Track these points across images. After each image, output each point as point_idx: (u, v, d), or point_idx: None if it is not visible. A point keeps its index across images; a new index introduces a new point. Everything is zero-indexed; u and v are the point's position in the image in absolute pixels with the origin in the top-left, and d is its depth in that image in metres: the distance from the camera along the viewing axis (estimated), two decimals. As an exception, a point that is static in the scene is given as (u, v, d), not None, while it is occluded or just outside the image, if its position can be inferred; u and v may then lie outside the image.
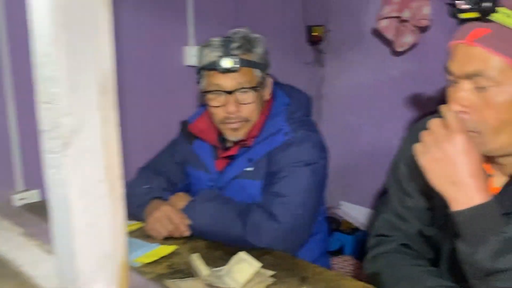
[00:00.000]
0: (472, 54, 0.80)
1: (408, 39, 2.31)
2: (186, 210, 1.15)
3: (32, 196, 1.52)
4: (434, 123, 0.81)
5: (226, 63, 1.15)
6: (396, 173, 1.02)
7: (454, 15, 0.82)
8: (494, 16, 0.78)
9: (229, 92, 1.20)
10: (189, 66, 2.04)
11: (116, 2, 1.77)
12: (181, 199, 1.22)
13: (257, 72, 1.21)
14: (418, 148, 0.82)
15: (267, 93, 1.25)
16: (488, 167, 0.92)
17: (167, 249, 1.06)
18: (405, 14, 2.23)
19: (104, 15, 0.67)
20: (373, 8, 2.43)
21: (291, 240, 1.11)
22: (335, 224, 2.70)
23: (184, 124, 1.39)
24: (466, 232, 0.77)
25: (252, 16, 2.37)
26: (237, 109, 1.20)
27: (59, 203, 0.67)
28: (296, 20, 2.67)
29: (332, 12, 2.76)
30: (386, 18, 2.27)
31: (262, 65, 1.22)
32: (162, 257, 1.02)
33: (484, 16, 0.78)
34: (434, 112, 0.88)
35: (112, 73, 0.70)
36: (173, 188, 1.34)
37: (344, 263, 1.92)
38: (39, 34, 0.63)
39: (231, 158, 1.26)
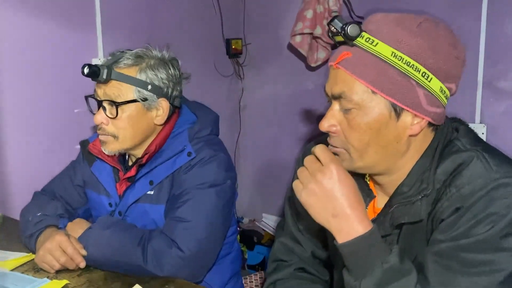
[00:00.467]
0: (338, 77, 0.83)
1: (321, 54, 2.38)
2: (82, 239, 1.07)
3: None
4: (307, 160, 0.83)
5: (85, 70, 1.08)
6: (291, 196, 1.03)
7: (331, 37, 0.85)
8: (357, 41, 0.81)
9: (98, 102, 1.14)
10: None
11: (15, 9, 1.64)
12: (78, 226, 1.13)
13: (136, 91, 1.13)
14: (295, 185, 0.83)
15: (159, 117, 1.18)
16: (372, 186, 0.96)
17: (57, 284, 0.97)
18: (317, 31, 2.29)
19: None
20: (290, 24, 2.47)
21: (195, 267, 1.06)
22: (257, 238, 2.70)
23: (84, 144, 1.30)
24: (351, 263, 0.78)
25: (168, 28, 2.32)
26: (104, 122, 1.13)
27: None
28: (216, 33, 2.66)
29: (250, 26, 2.78)
30: (300, 34, 2.33)
31: (147, 85, 1.13)
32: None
33: (349, 40, 0.81)
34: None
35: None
36: (72, 214, 1.25)
37: (260, 280, 1.90)
38: None
39: (132, 181, 1.20)
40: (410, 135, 0.84)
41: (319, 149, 0.82)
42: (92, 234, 1.08)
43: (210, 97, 2.53)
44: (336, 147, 0.86)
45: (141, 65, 1.14)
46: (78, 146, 1.36)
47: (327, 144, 0.87)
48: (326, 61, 2.39)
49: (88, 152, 1.26)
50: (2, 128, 1.65)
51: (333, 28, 0.82)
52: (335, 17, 0.82)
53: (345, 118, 0.84)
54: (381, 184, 0.92)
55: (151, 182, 1.17)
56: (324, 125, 0.85)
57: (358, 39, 0.81)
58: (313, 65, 2.41)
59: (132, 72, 1.13)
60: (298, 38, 2.37)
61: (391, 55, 0.80)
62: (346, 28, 0.80)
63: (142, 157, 1.19)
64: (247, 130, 2.88)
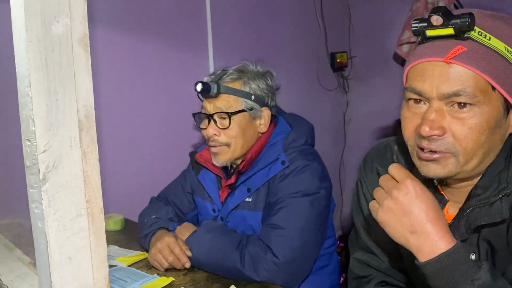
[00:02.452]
0: (451, 73, 0.76)
1: (431, 63, 2.24)
2: (188, 241, 1.16)
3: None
4: (382, 179, 0.79)
5: (199, 87, 1.21)
6: (358, 207, 0.99)
7: (419, 32, 0.79)
8: (471, 34, 0.74)
9: (209, 116, 1.24)
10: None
11: (141, 36, 1.85)
12: (186, 230, 1.22)
13: (243, 102, 1.23)
14: (372, 205, 0.79)
15: (262, 125, 1.25)
16: (442, 190, 0.88)
17: (164, 281, 1.06)
18: (427, 38, 2.17)
19: (82, 55, 0.71)
20: (397, 34, 2.40)
21: (290, 274, 1.07)
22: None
23: (192, 155, 1.42)
24: (436, 283, 0.72)
25: (273, 44, 2.41)
26: (216, 133, 1.23)
27: (39, 237, 0.69)
28: (320, 47, 2.68)
29: (356, 39, 2.75)
30: (407, 43, 2.24)
31: (251, 96, 1.23)
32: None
33: (463, 33, 0.74)
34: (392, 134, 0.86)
35: (91, 109, 0.73)
36: (182, 218, 1.36)
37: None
38: (20, 76, 0.67)
39: (232, 188, 1.26)
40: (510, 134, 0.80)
41: (393, 168, 0.78)
42: (196, 237, 1.16)
43: (315, 111, 2.55)
44: (439, 151, 0.79)
45: (244, 78, 1.24)
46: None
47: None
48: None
49: (195, 162, 1.37)
50: (129, 140, 1.85)
51: (438, 19, 0.75)
52: (439, 8, 0.77)
53: (454, 118, 0.77)
54: (455, 187, 0.85)
55: (248, 190, 1.22)
56: (427, 130, 0.77)
57: (472, 32, 0.75)
58: (422, 74, 2.29)
59: (237, 85, 1.23)
60: (405, 48, 2.28)
61: (505, 49, 0.74)
62: (466, 19, 0.73)
63: (240, 164, 1.25)
64: (352, 144, 2.83)
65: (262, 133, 1.27)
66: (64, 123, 0.69)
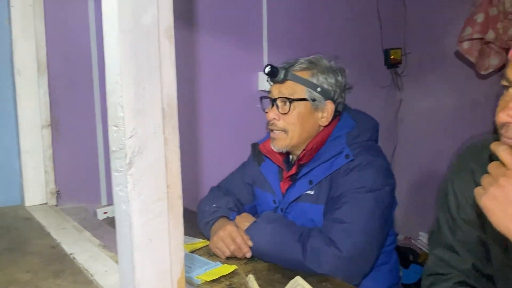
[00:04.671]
0: None
1: (493, 61, 2.16)
2: (249, 231, 1.17)
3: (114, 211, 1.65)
4: (491, 165, 0.75)
5: (267, 69, 1.22)
6: (445, 204, 0.96)
7: None
8: None
9: (272, 100, 1.27)
10: (262, 91, 2.10)
11: (199, 31, 1.89)
12: (245, 220, 1.24)
13: (307, 91, 1.23)
14: (476, 190, 0.76)
15: (324, 118, 1.24)
16: None
17: (227, 268, 1.08)
18: (489, 36, 2.10)
19: (167, 46, 0.73)
20: (455, 30, 2.32)
21: (352, 269, 1.07)
22: (413, 256, 2.56)
23: (255, 146, 1.45)
24: None
25: (327, 40, 2.39)
26: (276, 118, 1.25)
27: (122, 218, 0.73)
28: (374, 43, 2.64)
29: (411, 35, 2.68)
30: (468, 40, 2.16)
31: (317, 87, 1.23)
32: (222, 276, 1.05)
33: None
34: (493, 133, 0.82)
35: (174, 98, 0.76)
36: (240, 208, 1.38)
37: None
38: (110, 65, 0.70)
39: (294, 180, 1.27)
40: None
41: (503, 152, 0.75)
42: (257, 227, 1.18)
43: (366, 108, 2.50)
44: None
45: (313, 70, 1.24)
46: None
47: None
48: (499, 68, 2.17)
49: (258, 153, 1.39)
50: (186, 132, 1.90)
51: None
52: None
53: None
54: None
55: (310, 182, 1.22)
56: (502, 116, 0.76)
57: None
58: (483, 72, 2.21)
59: (305, 74, 1.24)
60: (466, 44, 2.20)
61: None
62: None
63: (300, 155, 1.26)
64: (404, 143, 2.77)
65: (324, 127, 1.26)
66: (149, 110, 0.72)
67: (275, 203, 1.31)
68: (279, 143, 1.26)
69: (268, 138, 1.35)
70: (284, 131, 1.25)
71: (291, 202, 1.25)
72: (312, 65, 1.25)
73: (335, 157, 1.20)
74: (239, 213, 1.33)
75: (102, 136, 1.64)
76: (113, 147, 0.72)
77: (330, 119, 1.25)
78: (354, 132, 1.23)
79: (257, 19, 2.11)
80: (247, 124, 2.09)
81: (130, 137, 0.69)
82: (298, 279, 0.91)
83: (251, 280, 0.93)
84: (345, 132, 1.24)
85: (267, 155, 1.34)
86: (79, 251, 1.06)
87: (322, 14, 2.39)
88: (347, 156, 1.18)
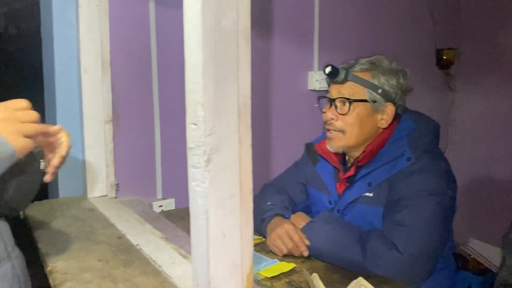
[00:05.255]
0: None
1: (556, 61, 2.07)
2: (306, 230, 1.18)
3: (169, 204, 1.71)
4: None
5: (328, 69, 1.23)
6: None
7: None
8: None
9: (331, 100, 1.27)
10: (312, 90, 2.10)
11: (251, 31, 1.91)
12: (301, 219, 1.25)
13: (367, 92, 1.22)
14: None
15: (384, 120, 1.23)
16: None
17: (286, 266, 1.10)
18: (554, 35, 2.01)
19: (244, 47, 0.75)
20: (514, 29, 2.24)
21: (413, 272, 1.06)
22: (463, 262, 2.49)
23: (309, 146, 1.45)
24: None
25: (377, 40, 2.36)
26: (334, 118, 1.25)
27: (198, 212, 0.75)
28: (426, 43, 2.58)
29: (465, 35, 2.60)
30: (530, 39, 2.08)
31: (378, 89, 1.22)
32: (282, 273, 1.07)
33: None
34: None
35: (249, 98, 0.78)
36: (294, 207, 1.39)
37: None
38: (191, 65, 0.73)
39: (351, 182, 1.27)
40: None
41: None
42: (315, 227, 1.18)
43: (416, 108, 2.46)
44: None
45: (375, 71, 1.23)
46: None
47: None
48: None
49: (313, 153, 1.39)
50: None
51: None
52: None
53: None
54: None
55: (369, 184, 1.21)
56: None
57: None
58: (544, 74, 2.12)
59: (366, 76, 1.23)
60: (527, 45, 2.11)
61: None
62: None
63: (359, 156, 1.25)
64: (455, 146, 2.69)
65: (383, 128, 1.25)
66: (226, 110, 0.74)
67: (330, 204, 1.31)
68: (336, 144, 1.26)
69: (323, 138, 1.36)
70: (342, 131, 1.24)
71: (349, 203, 1.25)
72: (373, 66, 1.24)
73: (396, 160, 1.18)
74: (292, 212, 1.34)
75: (159, 132, 1.70)
76: (190, 144, 0.75)
77: (389, 121, 1.24)
78: (415, 134, 1.21)
79: (308, 18, 2.11)
80: (297, 124, 2.10)
81: (209, 135, 0.72)
82: (361, 280, 0.91)
83: (316, 278, 0.94)
84: (406, 134, 1.22)
85: (323, 156, 1.34)
86: (144, 243, 1.10)
87: (374, 13, 2.36)
88: (408, 158, 1.16)
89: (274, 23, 1.99)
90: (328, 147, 1.29)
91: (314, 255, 1.17)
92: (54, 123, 1.58)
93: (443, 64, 2.63)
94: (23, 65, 2.26)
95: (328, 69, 1.23)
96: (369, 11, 2.33)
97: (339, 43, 2.23)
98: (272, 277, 1.06)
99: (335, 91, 1.26)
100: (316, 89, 2.10)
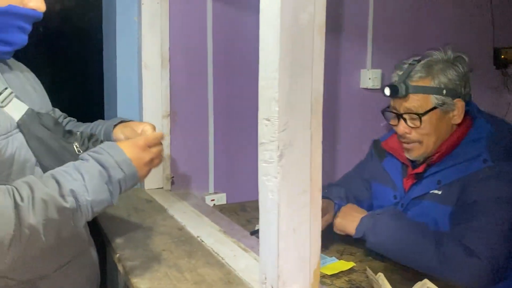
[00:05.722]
0: None
1: None
2: (367, 222, 1.14)
3: (221, 198, 1.73)
4: None
5: (387, 91, 1.22)
6: None
7: None
8: None
9: (398, 115, 1.25)
10: (364, 88, 2.07)
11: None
12: (354, 210, 1.22)
13: (433, 98, 1.19)
14: None
15: (456, 116, 1.19)
16: None
17: (346, 264, 1.09)
18: None
19: (318, 42, 0.75)
20: None
21: (487, 279, 1.01)
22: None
23: (376, 143, 1.45)
24: None
25: (432, 37, 2.29)
26: (407, 131, 1.23)
27: (269, 207, 0.76)
28: (483, 42, 2.48)
29: (526, 32, 2.49)
30: None
31: (442, 90, 1.19)
32: (341, 272, 1.06)
33: None
34: None
35: (321, 94, 0.78)
36: (358, 205, 1.38)
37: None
38: (266, 61, 0.74)
39: (419, 178, 1.25)
40: None
41: None
42: (381, 220, 1.15)
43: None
44: None
45: (432, 73, 1.20)
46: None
47: None
48: None
49: (380, 149, 1.39)
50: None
51: None
52: None
53: None
54: None
55: (438, 182, 1.19)
56: None
57: None
58: None
59: (426, 82, 1.20)
60: None
61: None
62: None
63: (432, 155, 1.23)
64: (512, 149, 2.58)
65: (458, 125, 1.22)
66: (300, 105, 0.74)
67: (395, 198, 1.30)
68: (415, 153, 1.24)
69: (390, 135, 1.36)
70: (418, 142, 1.23)
71: (414, 198, 1.23)
72: (429, 69, 1.20)
73: (470, 160, 1.15)
74: None
75: (213, 128, 1.72)
76: (262, 139, 0.76)
77: (462, 115, 1.21)
78: (494, 136, 1.18)
79: (362, 15, 2.08)
80: (348, 123, 2.07)
81: (283, 131, 0.73)
82: (426, 282, 0.89)
83: (382, 278, 0.93)
84: (484, 135, 1.18)
85: (390, 152, 1.34)
86: (204, 235, 1.12)
87: (429, 9, 2.30)
88: (485, 160, 1.13)
89: (326, 20, 1.98)
90: (408, 157, 1.27)
91: (375, 249, 1.14)
92: (115, 116, 1.64)
93: (501, 64, 2.52)
94: (80, 61, 2.35)
95: (387, 91, 1.21)
96: (424, 8, 2.27)
97: (393, 40, 2.18)
98: (332, 275, 1.06)
99: (400, 106, 1.23)
100: (369, 87, 2.07)
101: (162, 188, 1.62)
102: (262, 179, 0.77)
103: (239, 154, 1.76)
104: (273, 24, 0.71)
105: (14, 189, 0.67)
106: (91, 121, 1.18)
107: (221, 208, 1.63)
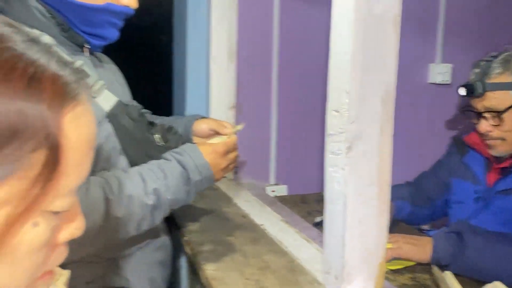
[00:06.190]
0: None
1: None
2: (455, 245, 1.02)
3: (281, 190, 1.76)
4: None
5: (462, 91, 1.19)
6: None
7: None
8: None
9: (478, 113, 1.22)
10: (432, 83, 1.99)
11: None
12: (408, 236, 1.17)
13: (511, 95, 1.15)
14: None
15: None
16: None
17: (409, 260, 1.07)
18: None
19: (392, 34, 0.75)
20: None
21: None
22: None
23: (456, 139, 1.42)
24: None
25: (506, 30, 2.16)
26: (489, 129, 1.19)
27: (335, 199, 0.77)
28: None
29: None
30: None
31: None
32: (404, 268, 1.04)
33: None
34: None
35: (393, 86, 0.77)
36: (426, 203, 1.37)
37: None
38: (338, 52, 0.74)
39: (506, 173, 1.21)
40: None
41: None
42: (466, 240, 1.04)
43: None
44: None
45: (510, 68, 1.16)
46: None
47: None
48: None
49: (461, 145, 1.36)
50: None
51: None
52: None
53: None
54: None
55: None
56: None
57: None
58: None
59: (504, 78, 1.16)
60: None
61: None
62: None
63: None
64: None
65: None
66: (370, 97, 0.74)
67: (476, 193, 1.27)
68: (499, 150, 1.21)
69: (473, 130, 1.32)
70: (501, 139, 1.19)
71: (499, 192, 1.19)
72: (507, 64, 1.16)
73: None
74: (430, 208, 1.33)
75: (276, 121, 1.75)
76: (331, 130, 0.77)
77: None
78: None
79: (433, 6, 2.00)
80: (415, 118, 2.01)
81: (352, 122, 0.73)
82: (497, 285, 0.86)
83: (449, 277, 0.90)
84: None
85: (474, 147, 1.30)
86: (268, 224, 1.15)
87: (506, 2, 2.16)
88: None
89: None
90: (492, 153, 1.24)
91: (462, 272, 1.05)
92: (184, 108, 1.71)
93: None
94: (151, 55, 2.47)
95: (462, 91, 1.18)
96: (501, 0, 2.14)
97: (465, 33, 2.08)
98: (395, 271, 1.05)
99: (478, 104, 1.20)
100: (437, 82, 1.99)
101: (225, 177, 1.66)
102: (329, 170, 0.78)
103: (302, 147, 1.77)
104: (347, 15, 0.71)
105: (105, 183, 0.73)
106: (160, 114, 1.24)
107: (281, 199, 1.65)
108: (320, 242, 0.89)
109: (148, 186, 0.77)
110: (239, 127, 1.04)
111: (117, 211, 0.72)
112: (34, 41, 0.35)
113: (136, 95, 1.05)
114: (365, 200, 0.76)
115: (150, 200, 0.76)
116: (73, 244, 0.39)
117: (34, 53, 0.34)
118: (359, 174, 0.75)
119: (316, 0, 1.63)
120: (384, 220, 0.79)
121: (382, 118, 0.75)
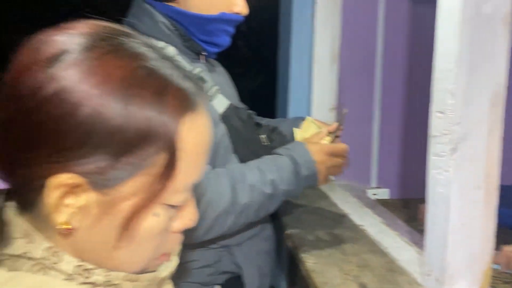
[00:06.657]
0: None
1: None
2: None
3: (383, 193, 1.73)
4: None
5: None
6: None
7: None
8: None
9: None
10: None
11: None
12: None
13: None
14: None
15: None
16: None
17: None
18: None
19: (503, 33, 0.72)
20: None
21: None
22: None
23: None
24: None
25: None
26: None
27: (438, 201, 0.76)
28: None
29: None
30: None
31: None
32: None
33: None
34: None
35: (502, 87, 0.74)
36: None
37: None
38: (443, 53, 0.74)
39: None
40: None
41: None
42: None
43: None
44: None
45: None
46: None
47: None
48: None
49: None
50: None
51: None
52: None
53: None
54: None
55: None
56: None
57: None
58: None
59: None
60: None
61: None
62: None
63: None
64: None
65: None
66: (477, 98, 0.72)
67: None
68: None
69: None
70: None
71: None
72: None
73: None
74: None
75: (378, 124, 1.73)
76: (435, 132, 0.76)
77: None
78: None
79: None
80: None
81: (457, 124, 0.72)
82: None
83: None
84: None
85: None
86: (367, 224, 1.16)
87: None
88: None
89: None
90: None
91: None
92: (286, 108, 1.78)
93: None
94: (255, 58, 2.58)
95: None
96: None
97: None
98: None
99: None
100: None
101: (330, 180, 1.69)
102: (432, 172, 0.77)
103: (406, 150, 1.73)
104: (454, 14, 0.71)
105: (231, 173, 0.82)
106: (262, 115, 1.31)
107: (383, 203, 1.63)
108: (421, 246, 0.88)
109: (266, 177, 0.84)
110: (345, 110, 1.06)
111: (241, 198, 0.81)
112: (164, 58, 0.41)
113: (241, 97, 1.13)
114: (470, 202, 0.74)
115: (268, 190, 0.83)
116: (203, 226, 0.46)
117: (163, 69, 0.39)
118: (464, 176, 0.73)
119: (422, 1, 1.59)
120: (490, 225, 0.76)
121: (490, 120, 0.73)
